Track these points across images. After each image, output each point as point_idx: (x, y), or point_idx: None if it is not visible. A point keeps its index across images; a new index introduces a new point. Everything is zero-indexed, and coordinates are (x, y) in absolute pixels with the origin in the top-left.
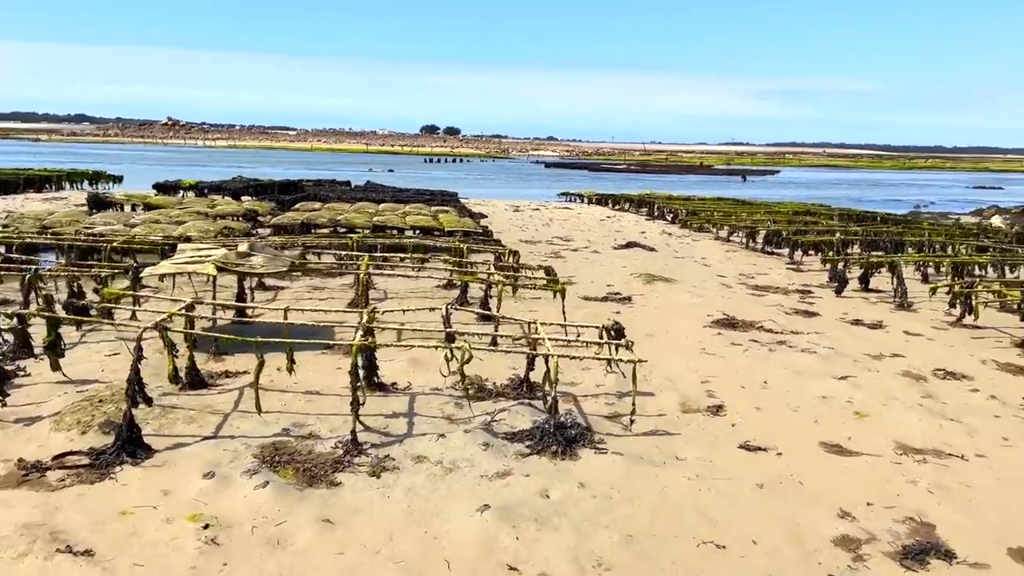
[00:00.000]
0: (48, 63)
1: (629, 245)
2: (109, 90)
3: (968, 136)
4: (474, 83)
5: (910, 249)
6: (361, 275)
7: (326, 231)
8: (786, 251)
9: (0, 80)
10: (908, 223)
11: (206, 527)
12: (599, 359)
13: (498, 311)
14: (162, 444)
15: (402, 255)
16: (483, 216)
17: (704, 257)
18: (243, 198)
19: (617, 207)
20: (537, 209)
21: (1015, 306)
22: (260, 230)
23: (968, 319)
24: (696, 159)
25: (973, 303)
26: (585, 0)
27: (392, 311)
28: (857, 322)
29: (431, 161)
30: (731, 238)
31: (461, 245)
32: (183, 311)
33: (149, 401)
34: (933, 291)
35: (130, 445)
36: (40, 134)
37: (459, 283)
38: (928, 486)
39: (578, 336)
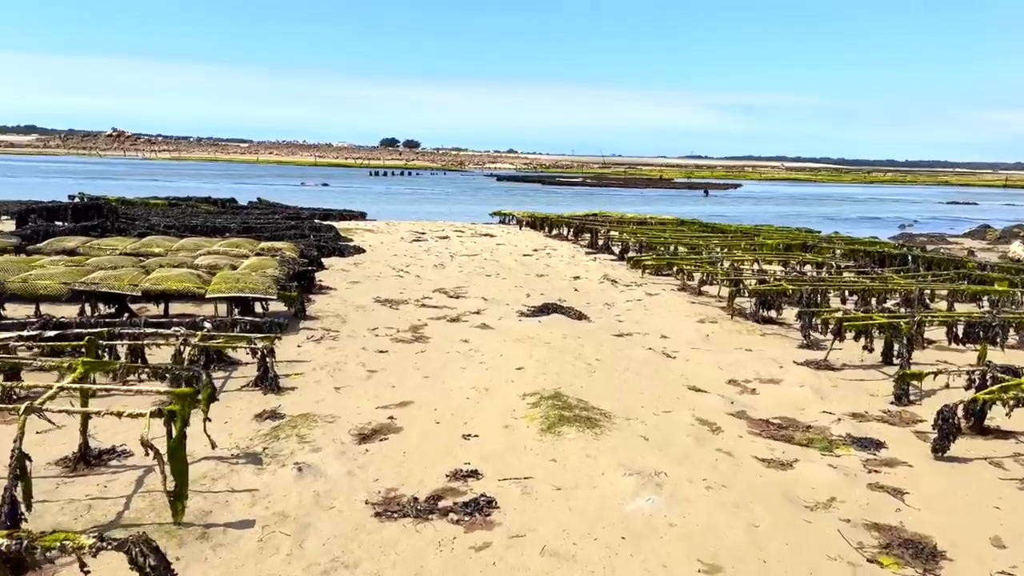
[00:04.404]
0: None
1: (545, 309)
2: (68, 102)
3: (916, 150)
4: (440, 97)
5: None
6: None
7: None
8: (786, 312)
9: None
10: (975, 272)
11: None
12: None
13: None
14: None
15: None
16: (360, 251)
17: (664, 335)
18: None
19: (555, 232)
20: (446, 236)
21: None
22: None
23: None
24: (656, 172)
25: None
26: (551, 17)
27: None
28: None
29: (376, 174)
30: (703, 288)
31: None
32: None
33: None
34: None
35: None
36: None
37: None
38: None
39: None
